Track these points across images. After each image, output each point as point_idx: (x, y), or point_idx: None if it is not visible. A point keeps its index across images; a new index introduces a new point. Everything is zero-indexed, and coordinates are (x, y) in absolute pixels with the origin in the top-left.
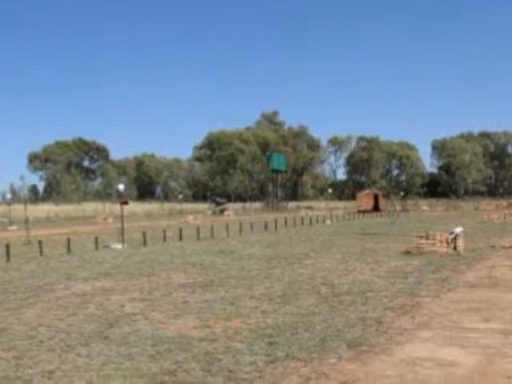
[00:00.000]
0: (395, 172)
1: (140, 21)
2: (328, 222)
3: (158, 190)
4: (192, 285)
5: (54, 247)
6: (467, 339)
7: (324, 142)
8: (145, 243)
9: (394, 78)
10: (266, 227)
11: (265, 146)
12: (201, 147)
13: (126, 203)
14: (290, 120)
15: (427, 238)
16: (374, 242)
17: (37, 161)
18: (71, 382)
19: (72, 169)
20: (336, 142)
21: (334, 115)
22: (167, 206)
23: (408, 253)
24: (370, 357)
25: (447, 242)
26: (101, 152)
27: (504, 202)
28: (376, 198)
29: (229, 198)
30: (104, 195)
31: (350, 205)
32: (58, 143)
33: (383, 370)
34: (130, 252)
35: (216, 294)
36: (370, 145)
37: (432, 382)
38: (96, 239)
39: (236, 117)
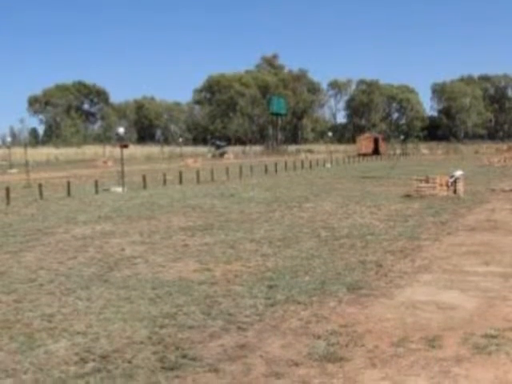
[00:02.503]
0: (395, 115)
1: None
2: (328, 165)
3: (158, 133)
4: (192, 228)
5: (54, 190)
6: (467, 282)
7: (324, 86)
8: (145, 187)
9: (394, 20)
10: (265, 171)
11: (265, 90)
12: (201, 90)
13: (126, 146)
14: (290, 63)
15: (427, 181)
16: (374, 186)
17: (37, 104)
18: (71, 325)
19: (72, 112)
20: (336, 86)
21: (334, 59)
22: (167, 149)
23: (408, 196)
24: (369, 300)
25: (447, 185)
26: (101, 95)
27: (504, 146)
28: (376, 141)
29: (229, 142)
30: (104, 138)
31: (350, 148)
32: (58, 86)
33: (383, 313)
34: (130, 195)
35: (216, 237)
36: (370, 88)
37: (432, 326)
38: (96, 182)
39: (236, 60)
